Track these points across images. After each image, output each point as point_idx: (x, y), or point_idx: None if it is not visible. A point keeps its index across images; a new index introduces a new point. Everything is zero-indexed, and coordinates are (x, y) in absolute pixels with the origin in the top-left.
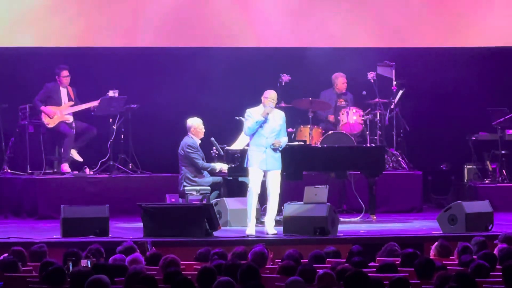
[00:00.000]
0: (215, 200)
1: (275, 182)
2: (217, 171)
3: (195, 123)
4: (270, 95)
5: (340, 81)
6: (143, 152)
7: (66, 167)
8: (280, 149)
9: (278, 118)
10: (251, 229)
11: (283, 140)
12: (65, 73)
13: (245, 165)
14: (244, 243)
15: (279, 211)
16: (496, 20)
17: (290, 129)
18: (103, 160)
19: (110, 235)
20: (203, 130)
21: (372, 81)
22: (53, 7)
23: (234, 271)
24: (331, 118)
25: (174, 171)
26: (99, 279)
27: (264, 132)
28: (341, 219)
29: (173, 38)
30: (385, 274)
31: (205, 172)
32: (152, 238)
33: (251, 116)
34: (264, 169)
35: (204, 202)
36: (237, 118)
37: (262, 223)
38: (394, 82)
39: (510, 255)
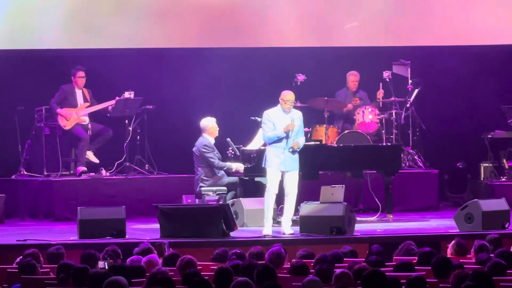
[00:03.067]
0: (231, 200)
1: (293, 182)
2: (233, 171)
3: (210, 123)
4: (289, 98)
5: (350, 79)
6: (159, 153)
7: (82, 169)
8: (298, 150)
9: (296, 118)
10: (268, 229)
11: (301, 141)
12: (81, 73)
13: (263, 165)
14: (261, 243)
15: (296, 211)
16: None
17: (306, 129)
18: (119, 161)
19: (127, 236)
20: (217, 129)
21: (388, 80)
22: (70, 11)
23: (251, 271)
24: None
25: (190, 172)
26: (116, 280)
27: None
28: (358, 219)
29: (188, 39)
30: (402, 273)
31: (222, 172)
32: (169, 239)
33: (269, 119)
34: (282, 170)
35: (220, 202)
36: (253, 118)
37: (278, 223)
38: (410, 81)
39: None
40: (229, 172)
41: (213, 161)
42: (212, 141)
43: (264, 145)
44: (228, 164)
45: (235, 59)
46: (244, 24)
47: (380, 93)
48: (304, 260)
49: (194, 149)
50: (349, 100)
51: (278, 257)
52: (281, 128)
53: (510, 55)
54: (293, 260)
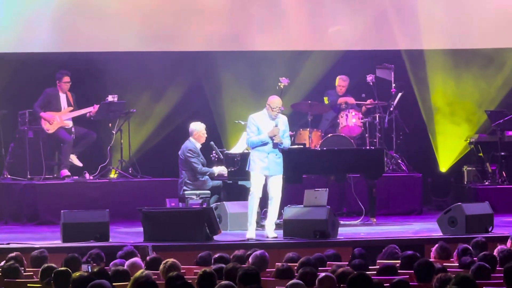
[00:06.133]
0: (215, 204)
1: (277, 186)
2: (216, 175)
3: (198, 128)
4: (276, 105)
5: (338, 83)
6: (143, 157)
7: (65, 172)
8: (281, 146)
9: (280, 123)
10: (251, 233)
11: (285, 142)
12: (66, 78)
13: (247, 169)
14: (245, 246)
15: (279, 214)
16: (494, 22)
17: (289, 132)
18: (103, 165)
19: (110, 240)
20: (205, 136)
21: (371, 83)
22: (53, 14)
23: (234, 275)
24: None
25: (174, 176)
26: (100, 284)
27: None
28: (341, 222)
29: (172, 43)
30: (385, 277)
31: (205, 176)
32: (153, 243)
33: (254, 123)
34: (266, 174)
35: (204, 206)
36: (236, 121)
37: (262, 226)
38: (393, 85)
39: (511, 257)
40: (212, 176)
41: (197, 167)
42: (198, 145)
43: (248, 148)
44: (211, 170)
45: (218, 62)
46: (228, 28)
47: (369, 101)
48: (289, 264)
49: (179, 152)
50: (335, 102)
51: (262, 260)
52: (266, 132)
53: (490, 59)
54: (277, 263)
